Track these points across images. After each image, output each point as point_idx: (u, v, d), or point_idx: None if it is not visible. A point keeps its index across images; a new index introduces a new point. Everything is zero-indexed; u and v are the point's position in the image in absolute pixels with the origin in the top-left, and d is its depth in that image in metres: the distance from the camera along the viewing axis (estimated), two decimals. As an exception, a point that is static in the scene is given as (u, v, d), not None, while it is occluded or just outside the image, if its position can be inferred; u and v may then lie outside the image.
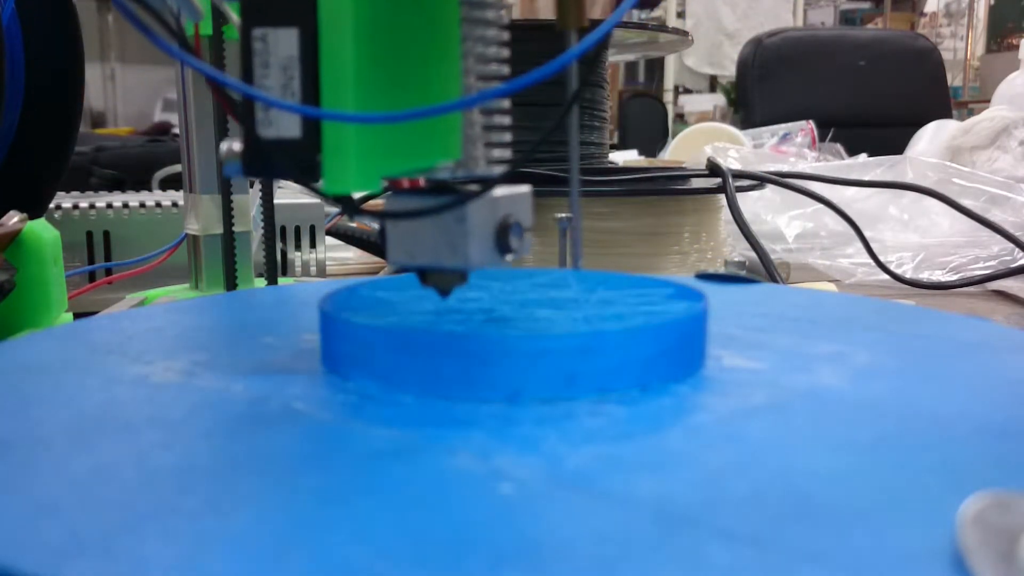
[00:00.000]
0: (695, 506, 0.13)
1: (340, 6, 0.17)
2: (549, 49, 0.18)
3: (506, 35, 0.21)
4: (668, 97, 3.27)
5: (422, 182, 0.20)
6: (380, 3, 0.18)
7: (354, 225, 0.61)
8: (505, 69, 0.21)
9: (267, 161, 0.18)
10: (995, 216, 0.63)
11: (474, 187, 0.19)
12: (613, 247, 0.50)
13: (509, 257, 0.20)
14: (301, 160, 0.17)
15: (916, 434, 0.16)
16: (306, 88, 0.17)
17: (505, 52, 0.21)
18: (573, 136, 0.22)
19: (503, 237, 0.19)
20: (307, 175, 0.18)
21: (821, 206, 0.59)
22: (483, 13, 0.20)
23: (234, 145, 0.18)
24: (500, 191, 0.19)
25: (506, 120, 0.21)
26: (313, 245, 0.57)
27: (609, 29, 0.17)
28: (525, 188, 0.21)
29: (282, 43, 0.17)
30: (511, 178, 0.19)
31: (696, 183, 0.54)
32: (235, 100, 0.18)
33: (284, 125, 0.17)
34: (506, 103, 0.21)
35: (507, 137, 0.21)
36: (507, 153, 0.21)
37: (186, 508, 0.13)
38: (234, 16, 0.18)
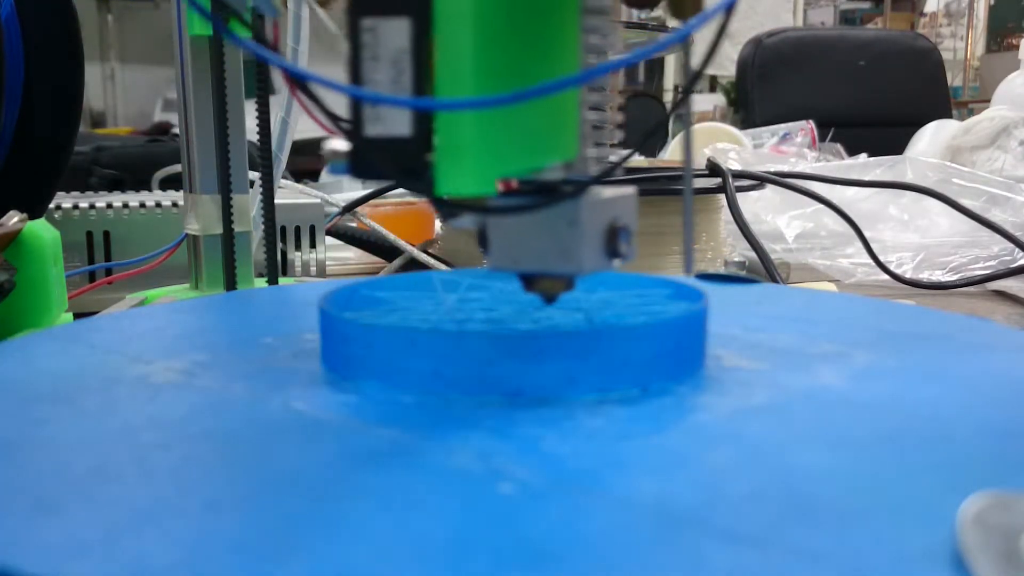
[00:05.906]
0: (695, 506, 0.13)
1: None
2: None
3: (615, 26, 0.20)
4: (668, 97, 3.27)
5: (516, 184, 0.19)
6: None
7: (354, 225, 0.61)
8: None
9: (373, 160, 0.17)
10: (995, 216, 0.63)
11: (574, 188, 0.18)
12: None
13: (617, 262, 0.19)
14: (409, 159, 0.16)
15: (916, 434, 0.16)
16: (418, 82, 0.16)
17: (618, 43, 0.20)
18: (688, 137, 0.21)
19: (612, 240, 0.18)
20: (414, 175, 0.16)
21: (821, 206, 0.59)
22: (599, 1, 0.19)
23: (338, 144, 0.17)
24: (607, 192, 0.19)
25: (607, 119, 0.20)
26: (313, 245, 0.57)
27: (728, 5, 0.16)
28: (631, 189, 0.19)
29: (393, 34, 0.16)
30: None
31: (696, 183, 0.54)
32: (318, 99, 0.17)
33: (393, 122, 0.16)
34: (611, 102, 0.20)
35: (610, 137, 0.20)
36: (608, 153, 0.20)
37: (186, 508, 0.13)
38: (320, 12, 0.18)
